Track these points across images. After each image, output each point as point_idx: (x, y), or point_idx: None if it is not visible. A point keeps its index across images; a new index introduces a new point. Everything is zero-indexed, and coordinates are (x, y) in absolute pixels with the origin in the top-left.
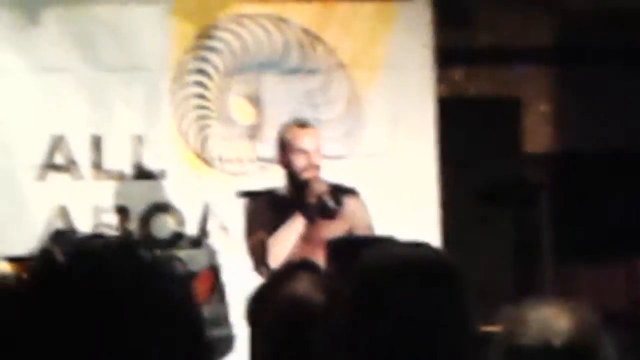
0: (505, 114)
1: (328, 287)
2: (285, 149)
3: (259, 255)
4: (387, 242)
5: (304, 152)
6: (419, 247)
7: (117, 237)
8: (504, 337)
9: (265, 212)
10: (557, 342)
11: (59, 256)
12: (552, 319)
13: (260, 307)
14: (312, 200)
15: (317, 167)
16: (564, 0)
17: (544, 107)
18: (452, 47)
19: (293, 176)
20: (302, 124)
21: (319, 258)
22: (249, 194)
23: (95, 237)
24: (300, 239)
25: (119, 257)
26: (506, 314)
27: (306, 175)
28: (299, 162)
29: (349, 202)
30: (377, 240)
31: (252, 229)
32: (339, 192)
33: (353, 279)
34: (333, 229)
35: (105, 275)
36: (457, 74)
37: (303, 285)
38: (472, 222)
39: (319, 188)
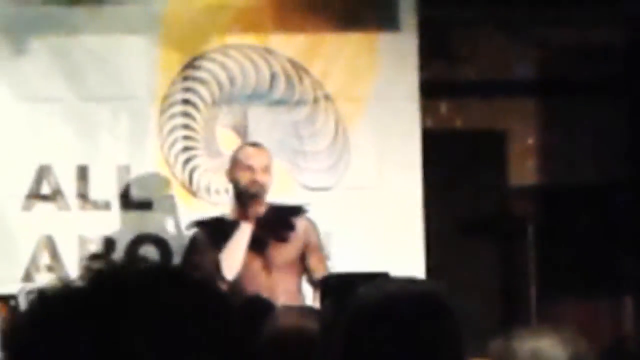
0: (491, 146)
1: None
2: (234, 165)
3: (212, 271)
4: (382, 278)
5: (249, 168)
6: (414, 283)
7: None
8: None
9: (213, 236)
10: None
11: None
12: (544, 350)
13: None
14: (252, 207)
15: (262, 186)
16: (549, 33)
17: (530, 140)
18: (438, 79)
19: (237, 192)
20: (253, 144)
21: (275, 281)
22: (197, 224)
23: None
24: (255, 263)
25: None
26: (497, 345)
27: (249, 190)
28: (244, 178)
29: (300, 223)
30: (371, 276)
31: (199, 252)
32: (288, 212)
33: (349, 315)
34: (285, 251)
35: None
36: (443, 106)
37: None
38: (458, 255)
39: (262, 199)
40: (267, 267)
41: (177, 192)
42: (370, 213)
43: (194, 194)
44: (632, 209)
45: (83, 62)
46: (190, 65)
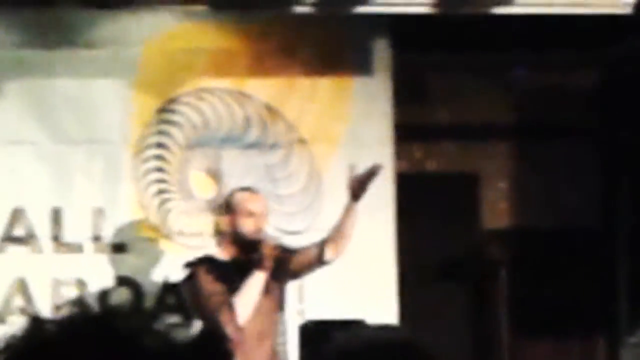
0: (464, 189)
1: None
2: (232, 212)
3: (225, 316)
4: (359, 325)
5: (252, 214)
6: (390, 330)
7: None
8: None
9: (214, 278)
10: None
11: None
12: None
13: None
14: (265, 254)
15: (263, 231)
16: (523, 77)
17: (502, 183)
18: (412, 122)
19: (239, 238)
20: (249, 189)
21: (268, 316)
22: (193, 263)
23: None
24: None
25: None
26: None
27: (255, 237)
28: (248, 224)
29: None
30: (349, 323)
31: (206, 294)
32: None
33: None
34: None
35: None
36: (417, 149)
37: None
38: (431, 298)
39: (270, 243)
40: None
41: (151, 235)
42: (343, 256)
43: (167, 237)
44: (604, 254)
45: (58, 105)
46: (164, 108)
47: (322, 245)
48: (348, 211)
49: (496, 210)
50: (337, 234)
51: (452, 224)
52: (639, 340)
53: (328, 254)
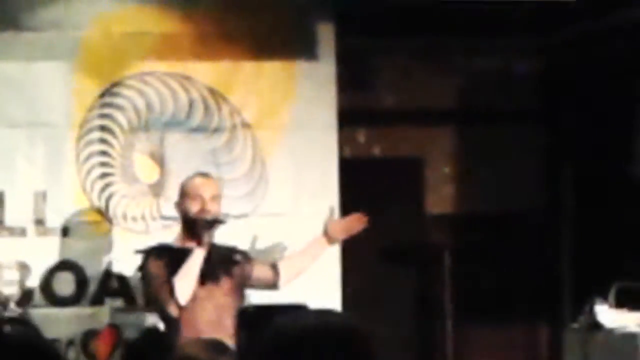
0: (408, 174)
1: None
2: (184, 196)
3: (165, 295)
4: (298, 310)
5: (199, 197)
6: (330, 315)
7: None
8: None
9: (162, 263)
10: None
11: None
12: None
13: None
14: (202, 231)
15: (212, 214)
16: (467, 63)
17: (446, 168)
18: (356, 107)
19: (189, 221)
20: (203, 174)
21: (221, 306)
22: (145, 251)
23: None
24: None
25: None
26: None
27: (197, 216)
28: (194, 206)
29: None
30: (288, 308)
31: (151, 277)
32: (232, 252)
33: (265, 347)
34: (229, 285)
35: None
36: (361, 134)
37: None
38: (376, 283)
39: (206, 219)
40: (213, 295)
41: (94, 218)
42: (288, 240)
43: (110, 220)
44: (547, 238)
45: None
46: (108, 91)
47: (277, 269)
48: (317, 250)
49: (440, 195)
50: (296, 267)
51: (397, 209)
52: (582, 325)
53: (282, 282)
